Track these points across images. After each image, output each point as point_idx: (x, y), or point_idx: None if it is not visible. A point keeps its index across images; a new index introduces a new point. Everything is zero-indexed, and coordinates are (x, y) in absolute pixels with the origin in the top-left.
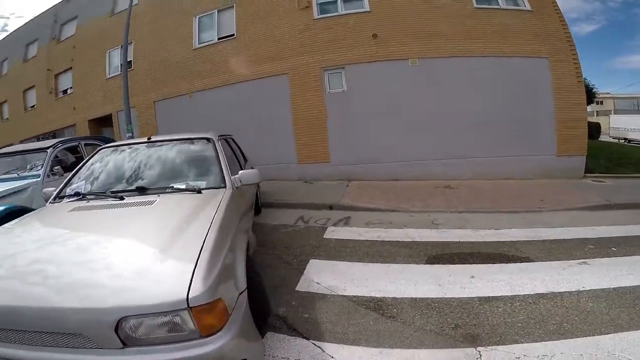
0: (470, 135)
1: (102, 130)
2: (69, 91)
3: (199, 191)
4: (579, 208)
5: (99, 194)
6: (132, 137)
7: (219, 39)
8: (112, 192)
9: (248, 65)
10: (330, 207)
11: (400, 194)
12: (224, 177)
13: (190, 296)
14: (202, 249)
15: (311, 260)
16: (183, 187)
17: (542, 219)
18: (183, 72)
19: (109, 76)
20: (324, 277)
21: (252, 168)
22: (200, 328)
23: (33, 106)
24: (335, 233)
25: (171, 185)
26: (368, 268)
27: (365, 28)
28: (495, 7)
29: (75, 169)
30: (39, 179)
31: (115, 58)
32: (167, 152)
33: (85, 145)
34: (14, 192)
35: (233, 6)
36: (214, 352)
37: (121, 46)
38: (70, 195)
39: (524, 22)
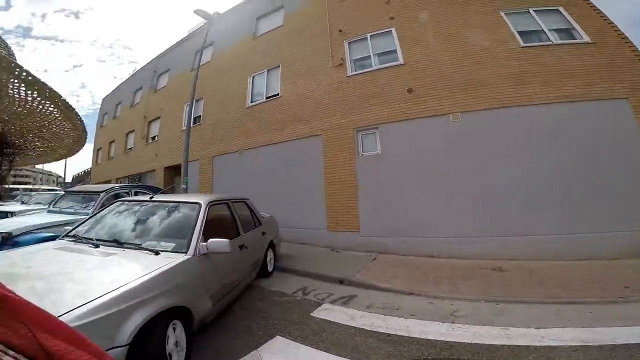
0: (532, 205)
1: (174, 179)
2: (155, 138)
3: (156, 253)
4: None
5: (87, 239)
6: (186, 189)
7: (267, 98)
8: (96, 239)
9: (288, 125)
10: (341, 282)
11: (430, 274)
12: (190, 243)
13: None
14: (97, 298)
15: (277, 337)
16: (143, 246)
17: (621, 312)
18: (236, 129)
19: (184, 128)
20: (275, 359)
21: (263, 233)
22: None
23: (131, 148)
24: (326, 312)
25: (139, 242)
26: None
27: (399, 83)
28: (547, 43)
29: (89, 215)
30: (86, 217)
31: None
32: (158, 212)
33: (135, 193)
34: (65, 224)
35: (279, 66)
36: None
37: (196, 100)
38: (70, 236)
39: (586, 57)
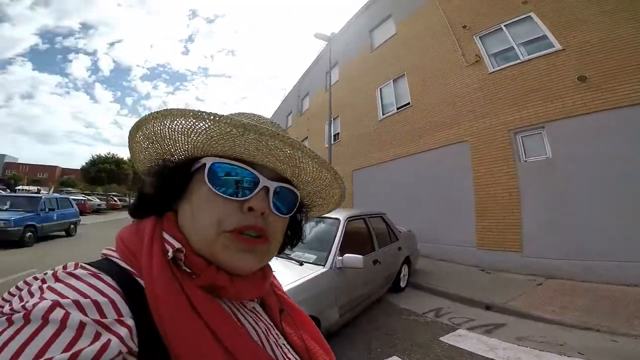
0: None
1: None
2: None
3: (300, 263)
4: None
5: None
6: None
7: (397, 108)
8: None
9: (425, 134)
10: (487, 307)
11: (622, 306)
12: (328, 257)
13: None
14: None
15: (394, 357)
16: (291, 256)
17: None
18: (372, 143)
19: (326, 146)
20: None
21: (399, 248)
22: None
23: None
24: (459, 338)
25: (288, 252)
26: None
27: (563, 71)
28: None
29: None
30: None
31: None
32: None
33: None
34: None
35: (404, 74)
36: None
37: (334, 118)
38: None
39: None
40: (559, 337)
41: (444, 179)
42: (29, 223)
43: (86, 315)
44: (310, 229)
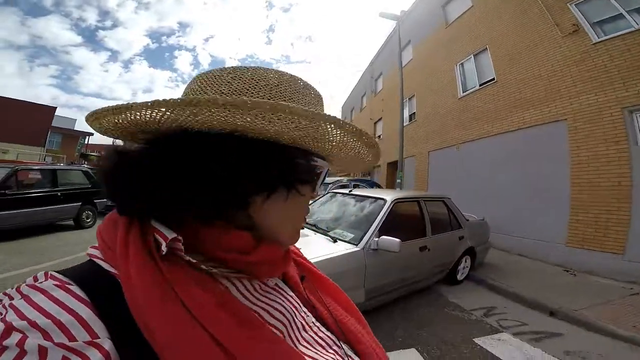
0: None
1: (394, 173)
2: (380, 137)
3: (334, 240)
4: None
5: None
6: (400, 185)
7: (480, 85)
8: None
9: (512, 112)
10: (552, 313)
11: None
12: (363, 237)
13: None
14: None
15: (413, 349)
16: (329, 233)
17: None
18: (450, 122)
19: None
20: None
21: (460, 237)
22: None
23: None
24: (496, 343)
25: (327, 229)
26: None
27: None
28: None
29: (312, 201)
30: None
31: (407, 109)
32: (350, 204)
33: (354, 185)
34: None
35: (486, 48)
36: None
37: (409, 98)
38: None
39: None
40: (622, 357)
41: (533, 162)
42: None
43: (48, 338)
44: (351, 211)
